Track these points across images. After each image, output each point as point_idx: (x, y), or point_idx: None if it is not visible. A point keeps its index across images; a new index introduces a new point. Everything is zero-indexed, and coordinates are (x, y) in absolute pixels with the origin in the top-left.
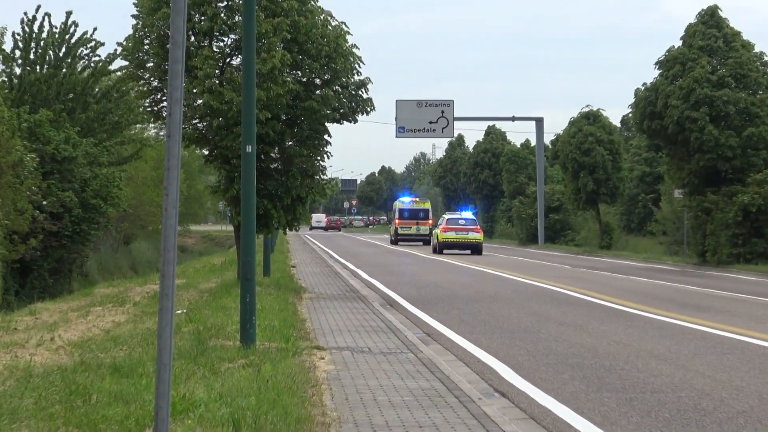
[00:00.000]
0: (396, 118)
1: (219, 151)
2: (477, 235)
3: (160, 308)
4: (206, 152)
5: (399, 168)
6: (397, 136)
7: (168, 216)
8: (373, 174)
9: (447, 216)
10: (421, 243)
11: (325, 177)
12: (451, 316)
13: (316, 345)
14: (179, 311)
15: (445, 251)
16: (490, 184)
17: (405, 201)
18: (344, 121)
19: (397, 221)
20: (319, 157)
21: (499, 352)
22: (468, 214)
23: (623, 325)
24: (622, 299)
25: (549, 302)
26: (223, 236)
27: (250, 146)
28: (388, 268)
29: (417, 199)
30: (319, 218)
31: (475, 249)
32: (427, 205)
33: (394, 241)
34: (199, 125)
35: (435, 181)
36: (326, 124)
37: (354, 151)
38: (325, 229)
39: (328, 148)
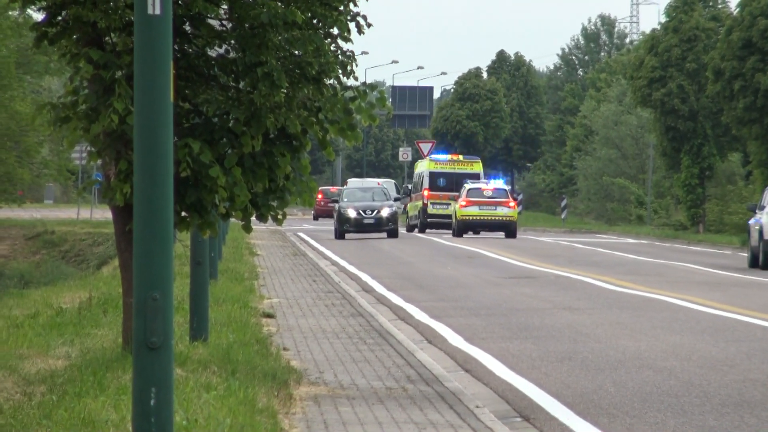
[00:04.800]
0: None
1: (74, 13)
2: (509, 211)
3: None
4: (42, 15)
5: (543, 57)
6: None
7: None
8: (475, 71)
9: (468, 185)
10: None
11: (350, 82)
12: None
13: None
14: None
15: (465, 235)
16: None
17: (440, 159)
18: None
19: (426, 193)
20: (333, 29)
21: None
22: (498, 183)
23: None
24: None
25: None
26: (83, 236)
27: None
28: (529, 319)
29: (460, 157)
30: (359, 190)
31: (508, 230)
32: (478, 168)
33: (419, 226)
34: None
35: (639, 92)
36: None
37: (424, 17)
38: (381, 229)
39: (359, 4)
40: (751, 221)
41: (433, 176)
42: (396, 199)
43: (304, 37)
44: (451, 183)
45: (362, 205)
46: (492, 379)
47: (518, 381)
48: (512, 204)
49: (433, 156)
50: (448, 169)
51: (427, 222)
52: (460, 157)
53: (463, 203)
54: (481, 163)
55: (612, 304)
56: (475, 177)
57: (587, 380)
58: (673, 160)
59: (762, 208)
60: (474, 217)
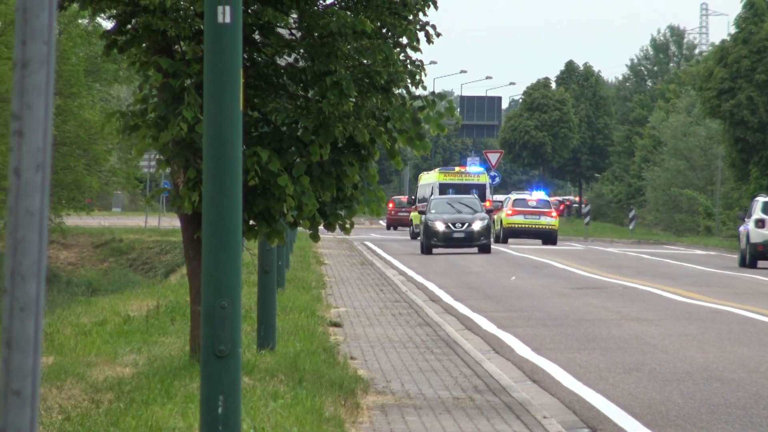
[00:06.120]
0: None
1: (143, 21)
2: (550, 220)
3: None
4: (111, 23)
5: (612, 68)
6: None
7: (24, 190)
8: (544, 81)
9: (513, 196)
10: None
11: (419, 91)
12: None
13: None
14: None
15: (510, 240)
16: None
17: (449, 171)
18: None
19: None
20: (402, 38)
21: None
22: (540, 195)
23: None
24: None
25: None
26: (151, 244)
27: (226, 7)
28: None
29: (465, 169)
30: (448, 200)
31: (549, 238)
32: (484, 179)
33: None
34: None
35: (708, 104)
36: None
37: (493, 27)
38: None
39: (428, 13)
40: (741, 228)
41: (443, 187)
42: (488, 212)
43: (373, 46)
44: (460, 193)
45: (451, 218)
46: (559, 389)
47: (586, 392)
48: (554, 214)
49: (441, 169)
50: (456, 180)
51: None
52: (465, 169)
53: (509, 212)
54: (487, 174)
55: (680, 316)
56: (482, 187)
57: (655, 391)
58: (741, 171)
59: (749, 216)
60: (519, 225)
